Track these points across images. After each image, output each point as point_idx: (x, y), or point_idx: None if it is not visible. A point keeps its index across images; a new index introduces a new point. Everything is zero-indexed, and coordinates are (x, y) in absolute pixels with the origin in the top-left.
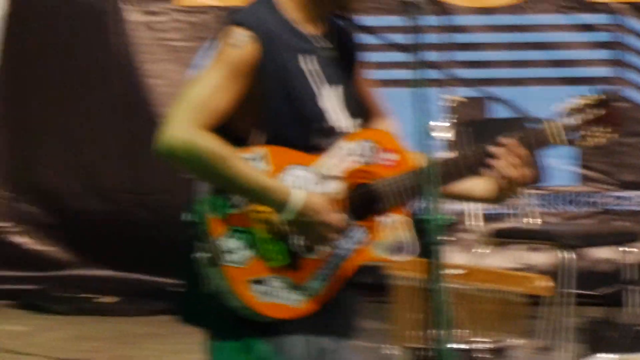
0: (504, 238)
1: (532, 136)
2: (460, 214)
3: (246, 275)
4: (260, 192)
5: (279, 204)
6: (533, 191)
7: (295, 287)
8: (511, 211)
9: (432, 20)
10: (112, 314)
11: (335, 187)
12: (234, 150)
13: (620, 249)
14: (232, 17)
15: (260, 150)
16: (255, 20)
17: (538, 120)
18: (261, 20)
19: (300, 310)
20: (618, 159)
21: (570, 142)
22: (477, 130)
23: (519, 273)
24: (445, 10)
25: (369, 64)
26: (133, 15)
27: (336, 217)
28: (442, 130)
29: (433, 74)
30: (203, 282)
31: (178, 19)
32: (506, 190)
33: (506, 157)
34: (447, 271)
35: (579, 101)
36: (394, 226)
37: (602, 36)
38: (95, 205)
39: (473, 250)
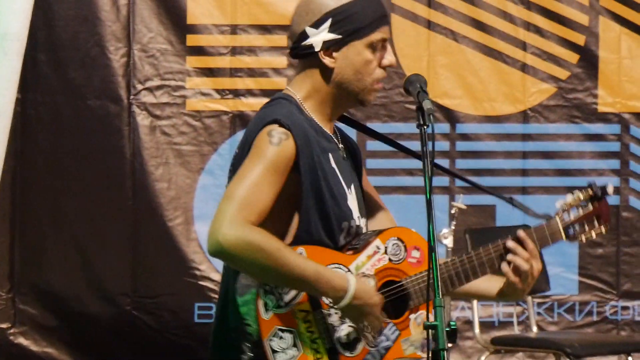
0: (504, 346)
1: (544, 230)
2: (459, 320)
3: None
4: (317, 280)
5: (336, 289)
6: (533, 299)
7: None
8: (509, 319)
9: (441, 127)
10: None
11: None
12: (283, 243)
13: (624, 358)
14: (271, 116)
15: (298, 250)
16: (291, 119)
17: (544, 217)
18: (296, 119)
19: None
20: (619, 268)
21: (570, 238)
22: (482, 238)
23: None
24: (453, 117)
25: (378, 171)
26: (145, 120)
27: (380, 306)
28: (444, 237)
29: (441, 181)
30: None
31: (188, 123)
32: (519, 286)
33: (522, 252)
34: None
35: (575, 196)
36: (420, 323)
37: (610, 146)
38: (97, 308)
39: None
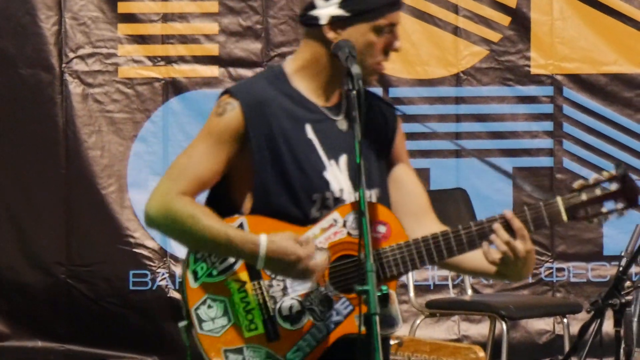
0: (439, 309)
1: (540, 211)
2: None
3: (222, 344)
4: (228, 244)
5: (247, 252)
6: None
7: (273, 357)
8: (445, 282)
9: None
10: None
11: (319, 258)
12: (208, 210)
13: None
14: (227, 88)
15: (238, 220)
16: (245, 89)
17: (548, 196)
18: (254, 90)
19: None
20: (553, 230)
21: (578, 219)
22: None
23: (453, 344)
24: (386, 81)
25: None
26: (78, 88)
27: (306, 251)
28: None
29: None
30: (186, 350)
31: (120, 90)
32: (503, 268)
33: (502, 234)
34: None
35: (592, 178)
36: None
37: (543, 108)
38: (31, 277)
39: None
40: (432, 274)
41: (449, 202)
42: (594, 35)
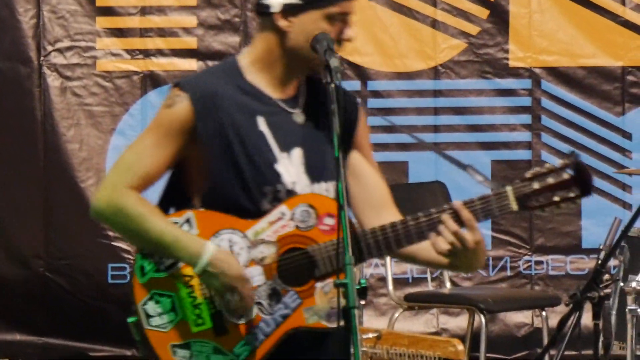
0: (418, 302)
1: (490, 201)
2: (373, 277)
3: (169, 340)
4: (173, 244)
5: (192, 255)
6: None
7: (220, 352)
8: (423, 275)
9: (352, 85)
10: None
11: (266, 252)
12: (154, 209)
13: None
14: (177, 81)
15: (185, 214)
16: (195, 82)
17: (499, 186)
18: (204, 83)
19: None
20: (532, 223)
21: (528, 208)
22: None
23: (432, 337)
24: (364, 74)
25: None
26: (56, 81)
27: (246, 281)
28: None
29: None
30: (137, 346)
31: (98, 84)
32: (452, 260)
33: (451, 225)
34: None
35: (542, 167)
36: (328, 292)
37: (521, 100)
38: (10, 271)
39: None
40: (410, 266)
41: (428, 196)
42: (572, 28)
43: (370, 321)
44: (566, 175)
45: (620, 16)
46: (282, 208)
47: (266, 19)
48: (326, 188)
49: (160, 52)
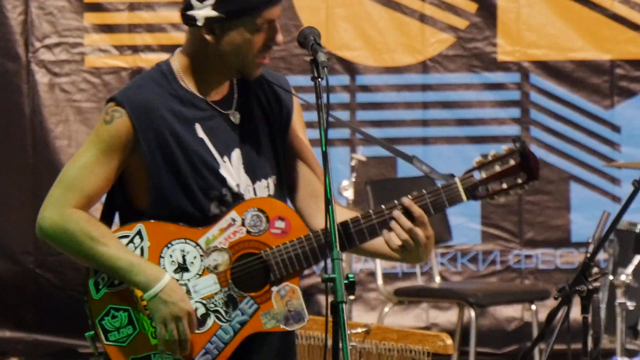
0: (407, 297)
1: (440, 194)
2: (362, 272)
3: (129, 353)
4: (130, 270)
5: (149, 280)
6: (436, 250)
7: None
8: (413, 269)
9: (341, 79)
10: None
11: (219, 259)
12: (106, 230)
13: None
14: (115, 94)
15: (136, 227)
16: (131, 96)
17: (446, 177)
18: (140, 95)
19: None
20: (522, 217)
21: (477, 198)
22: (383, 189)
23: (421, 331)
24: (353, 69)
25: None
26: (44, 78)
27: (192, 315)
28: (344, 189)
29: (342, 133)
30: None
31: (87, 80)
32: (405, 254)
33: (404, 221)
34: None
35: (490, 155)
36: (284, 295)
37: (510, 94)
38: None
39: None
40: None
41: (416, 190)
42: (560, 22)
43: (360, 316)
44: (512, 162)
45: (609, 9)
46: (232, 214)
47: (193, 28)
48: (266, 184)
49: (148, 48)
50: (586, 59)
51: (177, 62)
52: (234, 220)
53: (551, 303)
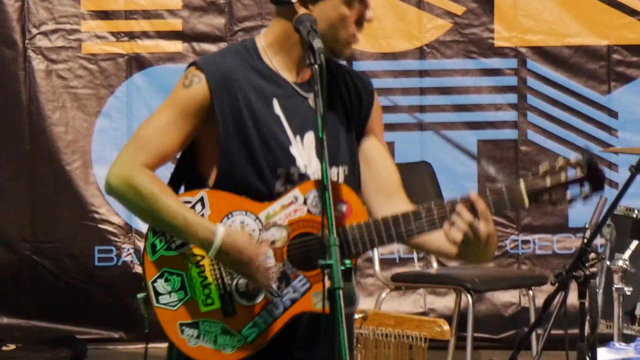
0: (405, 282)
1: (502, 194)
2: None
3: (177, 318)
4: (184, 227)
5: (202, 240)
6: None
7: (228, 332)
8: (410, 255)
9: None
10: None
11: (277, 235)
12: (169, 191)
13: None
14: (194, 60)
15: (199, 194)
16: (212, 63)
17: (511, 179)
18: (222, 63)
19: (232, 356)
20: None
21: (540, 204)
22: None
23: (419, 317)
24: (350, 56)
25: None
26: (41, 64)
27: (262, 257)
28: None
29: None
30: (144, 321)
31: (84, 66)
32: (463, 250)
33: (466, 215)
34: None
35: (555, 163)
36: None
37: (507, 80)
38: None
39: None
40: (397, 247)
41: (414, 176)
42: (557, 7)
43: None
44: (579, 172)
45: None
46: (295, 192)
47: (285, 6)
48: (336, 172)
49: (145, 34)
50: (583, 44)
51: (263, 40)
52: (296, 198)
53: (548, 288)
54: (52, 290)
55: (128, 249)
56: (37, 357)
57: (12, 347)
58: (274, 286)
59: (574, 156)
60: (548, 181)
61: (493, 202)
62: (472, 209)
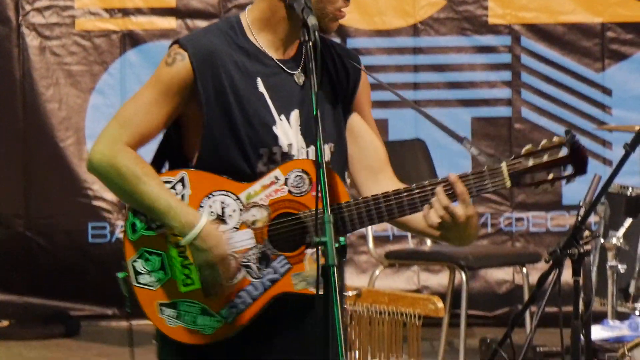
0: (398, 259)
1: (484, 177)
2: (354, 235)
3: (157, 298)
4: (167, 212)
5: (184, 225)
6: None
7: (208, 313)
8: (404, 233)
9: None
10: (6, 337)
11: (257, 215)
12: (151, 171)
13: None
14: (177, 38)
15: (179, 174)
16: (195, 40)
17: (493, 161)
18: (205, 41)
19: (212, 337)
20: None
21: (522, 185)
22: None
23: (412, 294)
24: (344, 32)
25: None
26: (35, 41)
27: (227, 260)
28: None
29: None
30: (125, 300)
31: (77, 43)
32: (443, 232)
33: (442, 198)
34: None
35: (540, 144)
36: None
37: (501, 57)
38: None
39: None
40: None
41: (408, 153)
42: None
43: (351, 279)
44: (561, 153)
45: None
46: (277, 172)
47: None
48: (323, 149)
49: (139, 11)
50: (577, 22)
51: (248, 16)
52: (277, 178)
53: (542, 266)
54: (45, 267)
55: (121, 226)
56: (30, 333)
57: (5, 323)
58: (234, 282)
59: (557, 137)
60: (530, 162)
61: (474, 184)
62: (451, 191)
